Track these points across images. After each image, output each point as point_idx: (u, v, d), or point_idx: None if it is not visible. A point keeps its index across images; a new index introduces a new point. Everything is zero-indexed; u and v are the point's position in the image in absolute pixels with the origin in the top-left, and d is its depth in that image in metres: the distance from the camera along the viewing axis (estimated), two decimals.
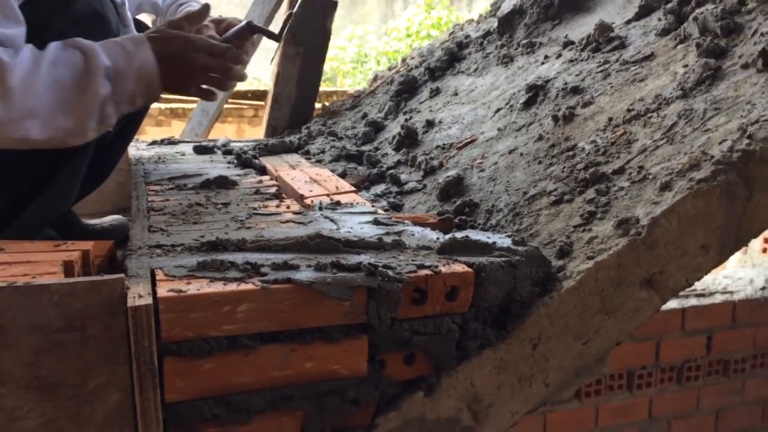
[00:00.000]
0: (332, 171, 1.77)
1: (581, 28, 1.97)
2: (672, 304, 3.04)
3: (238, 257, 1.01)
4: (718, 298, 3.14)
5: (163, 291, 0.88)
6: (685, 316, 3.03)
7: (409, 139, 1.86)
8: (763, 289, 3.23)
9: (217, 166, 1.85)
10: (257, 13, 2.55)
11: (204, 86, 1.38)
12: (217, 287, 0.90)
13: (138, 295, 0.87)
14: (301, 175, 1.69)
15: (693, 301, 3.09)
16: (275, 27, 2.53)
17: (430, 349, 1.00)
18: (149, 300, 0.86)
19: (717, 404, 3.13)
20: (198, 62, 1.32)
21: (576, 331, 1.06)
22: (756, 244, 3.52)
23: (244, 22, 1.45)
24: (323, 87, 6.22)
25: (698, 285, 3.37)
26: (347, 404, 0.98)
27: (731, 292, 3.22)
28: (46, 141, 1.19)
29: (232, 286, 0.91)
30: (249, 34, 1.46)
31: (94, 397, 0.89)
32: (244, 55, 1.46)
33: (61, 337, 0.86)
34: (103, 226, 1.95)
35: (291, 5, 2.46)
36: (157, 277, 0.93)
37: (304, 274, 0.94)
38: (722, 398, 3.14)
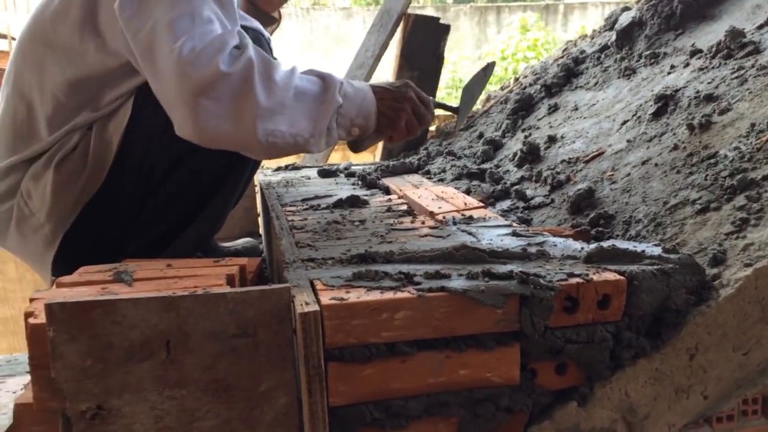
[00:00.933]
0: (456, 189, 1.79)
1: (708, 36, 1.91)
2: None
3: (389, 268, 1.05)
4: None
5: (325, 299, 0.93)
6: None
7: (531, 155, 1.86)
8: None
9: (343, 188, 1.92)
10: (372, 41, 2.64)
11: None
12: (375, 295, 0.94)
13: (305, 302, 0.92)
14: (427, 193, 1.72)
15: None
16: (390, 54, 2.61)
17: (583, 358, 0.99)
18: (316, 307, 0.90)
19: None
20: (409, 94, 1.46)
21: (735, 341, 1.02)
22: None
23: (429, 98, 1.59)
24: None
25: None
26: (501, 412, 0.98)
27: None
28: (290, 140, 1.30)
29: (389, 295, 0.94)
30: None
31: (265, 400, 0.94)
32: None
33: (236, 342, 0.92)
34: (236, 248, 2.06)
35: (405, 33, 2.53)
36: (317, 287, 0.98)
37: (457, 283, 0.96)
38: None
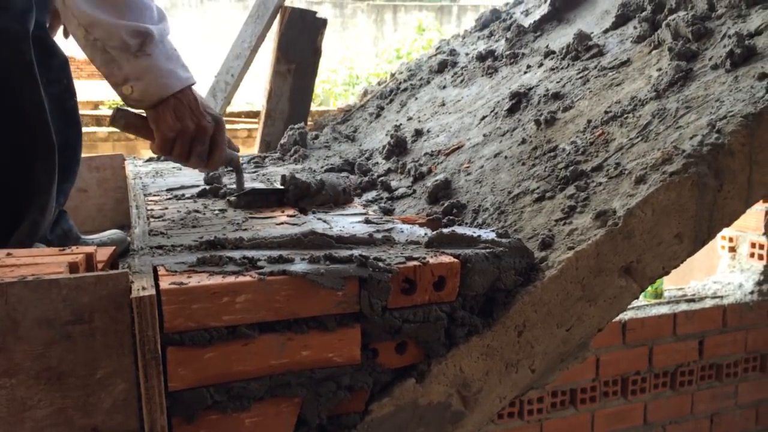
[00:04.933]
0: None
1: (562, 38, 2.04)
2: (663, 309, 3.10)
3: (236, 254, 1.06)
4: (708, 303, 3.19)
5: (165, 284, 0.93)
6: (677, 321, 3.08)
7: (398, 148, 1.92)
8: (751, 293, 3.28)
9: None
10: (249, 32, 2.62)
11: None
12: (217, 280, 0.95)
13: (142, 287, 0.92)
14: None
15: (684, 306, 3.13)
16: (268, 46, 2.61)
17: (420, 337, 1.05)
18: (152, 291, 0.90)
19: (711, 408, 3.17)
20: (212, 127, 1.34)
21: (559, 318, 1.11)
22: (744, 249, 3.59)
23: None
24: (317, 108, 6.31)
25: (688, 290, 3.43)
26: (342, 391, 1.02)
27: (721, 297, 3.27)
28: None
29: (231, 279, 0.96)
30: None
31: (102, 387, 0.93)
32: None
33: (70, 329, 0.91)
34: (101, 240, 1.99)
35: (281, 25, 2.53)
36: (160, 273, 0.98)
37: (299, 267, 0.99)
38: (716, 402, 3.18)
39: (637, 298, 1.18)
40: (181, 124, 1.28)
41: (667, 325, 3.05)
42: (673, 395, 3.11)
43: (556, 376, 1.15)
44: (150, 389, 0.91)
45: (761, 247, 3.38)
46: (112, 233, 2.07)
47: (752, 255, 3.61)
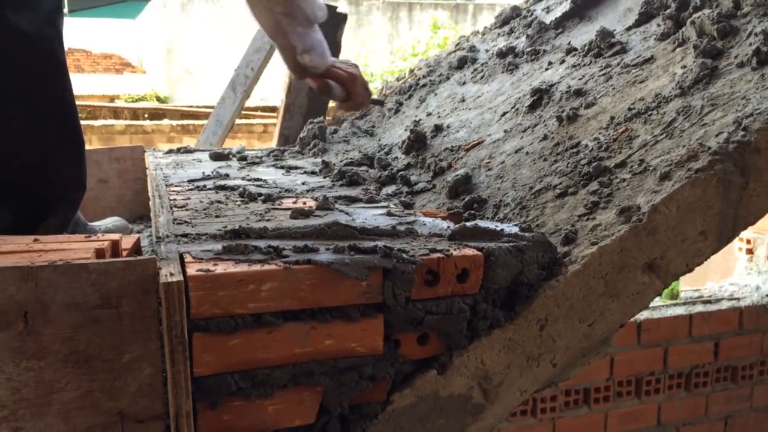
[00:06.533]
0: None
1: (583, 35, 2.04)
2: (679, 310, 3.08)
3: (261, 243, 1.07)
4: (725, 305, 3.17)
5: (192, 270, 0.94)
6: (693, 322, 3.06)
7: (418, 143, 1.93)
8: None
9: (234, 171, 1.92)
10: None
11: None
12: (243, 267, 0.96)
13: (169, 273, 0.93)
14: None
15: (700, 308, 3.12)
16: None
17: (442, 329, 1.05)
18: (180, 277, 0.91)
19: (726, 410, 3.15)
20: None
21: (581, 313, 1.11)
22: (762, 251, 3.55)
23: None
24: (333, 104, 6.33)
25: (705, 292, 3.41)
26: (364, 380, 1.03)
27: (738, 299, 3.25)
28: None
29: (257, 267, 0.96)
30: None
31: (128, 371, 0.94)
32: None
33: (98, 313, 0.92)
34: (106, 226, 2.01)
35: None
36: (186, 260, 0.99)
37: (324, 256, 1.00)
38: (731, 404, 3.16)
39: (660, 294, 1.17)
40: (355, 71, 1.70)
41: (683, 326, 3.03)
42: (688, 396, 3.09)
43: (578, 370, 1.15)
44: (176, 374, 0.92)
45: None
46: (115, 220, 2.09)
47: None
